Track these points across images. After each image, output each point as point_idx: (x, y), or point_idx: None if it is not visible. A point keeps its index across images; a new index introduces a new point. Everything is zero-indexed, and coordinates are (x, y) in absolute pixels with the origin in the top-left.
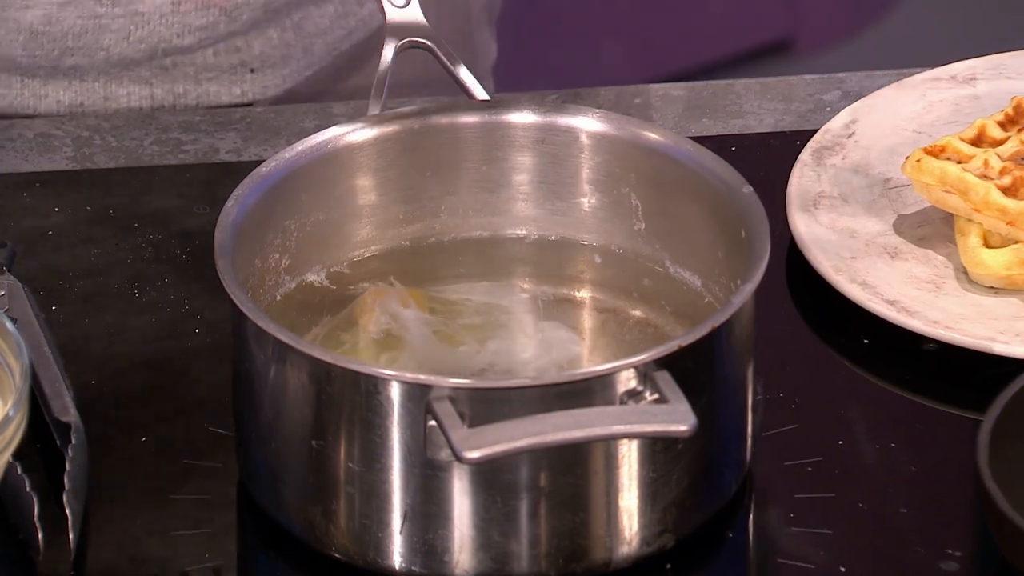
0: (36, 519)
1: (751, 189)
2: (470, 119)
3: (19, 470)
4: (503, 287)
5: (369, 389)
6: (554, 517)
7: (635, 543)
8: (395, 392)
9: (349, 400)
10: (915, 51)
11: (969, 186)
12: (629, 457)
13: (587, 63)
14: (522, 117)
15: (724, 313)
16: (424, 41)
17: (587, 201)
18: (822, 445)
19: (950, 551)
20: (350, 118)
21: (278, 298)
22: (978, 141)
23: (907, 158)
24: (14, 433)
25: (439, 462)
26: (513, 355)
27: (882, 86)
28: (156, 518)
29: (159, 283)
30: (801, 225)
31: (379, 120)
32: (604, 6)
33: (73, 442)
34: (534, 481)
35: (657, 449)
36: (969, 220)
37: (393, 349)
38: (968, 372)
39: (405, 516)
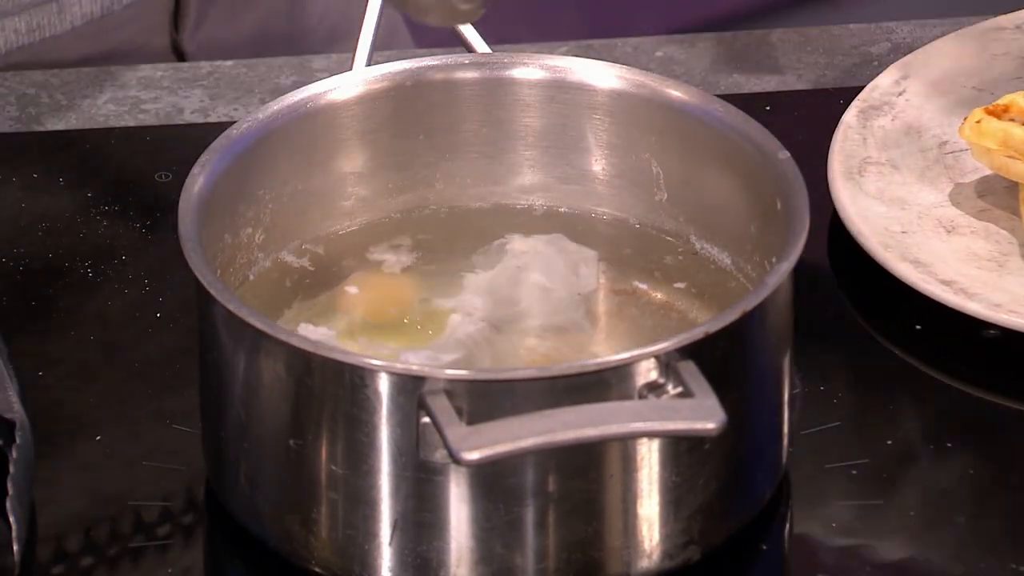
0: None
1: (788, 154)
2: (469, 75)
3: None
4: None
5: (354, 381)
6: (564, 527)
7: (656, 556)
8: (384, 385)
9: (332, 394)
10: None
11: None
12: (649, 458)
13: (602, 11)
14: (528, 73)
15: (757, 295)
16: None
17: (602, 168)
18: (868, 445)
19: (1014, 565)
20: (333, 74)
21: (251, 278)
22: None
23: (965, 119)
24: None
25: (434, 464)
26: (517, 341)
27: (937, 37)
28: (112, 528)
29: (115, 261)
30: (845, 195)
31: (366, 76)
32: None
33: (18, 441)
34: (541, 486)
35: (681, 450)
36: None
37: (382, 336)
38: None
39: (395, 525)
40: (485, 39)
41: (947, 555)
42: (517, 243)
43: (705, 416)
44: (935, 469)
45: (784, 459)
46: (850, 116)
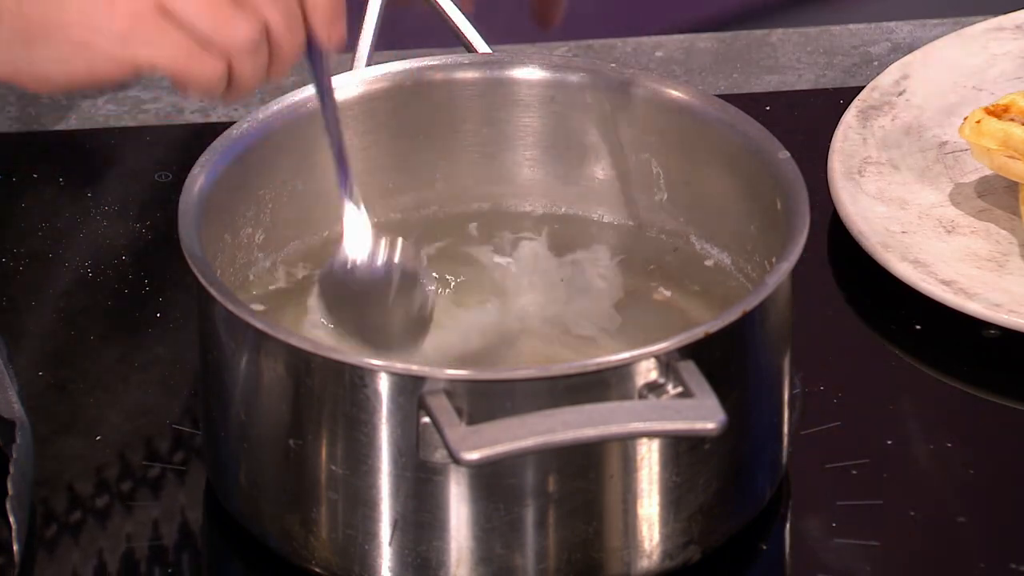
0: None
1: (788, 154)
2: (469, 75)
3: None
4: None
5: (354, 381)
6: (564, 527)
7: (656, 556)
8: (384, 385)
9: (331, 394)
10: None
11: None
12: (649, 459)
13: (601, 11)
14: (528, 73)
15: (757, 295)
16: None
17: (602, 169)
18: (868, 445)
19: (1014, 565)
20: (333, 74)
21: (251, 278)
22: None
23: (965, 119)
24: None
25: (434, 464)
26: (517, 341)
27: (937, 37)
28: (112, 527)
29: (116, 261)
30: (845, 195)
31: (366, 76)
32: None
33: (18, 442)
34: (541, 486)
35: (681, 450)
36: None
37: None
38: None
39: (395, 525)
40: (485, 39)
41: (947, 555)
42: (519, 246)
43: (705, 416)
44: (935, 469)
45: (784, 459)
46: (850, 116)
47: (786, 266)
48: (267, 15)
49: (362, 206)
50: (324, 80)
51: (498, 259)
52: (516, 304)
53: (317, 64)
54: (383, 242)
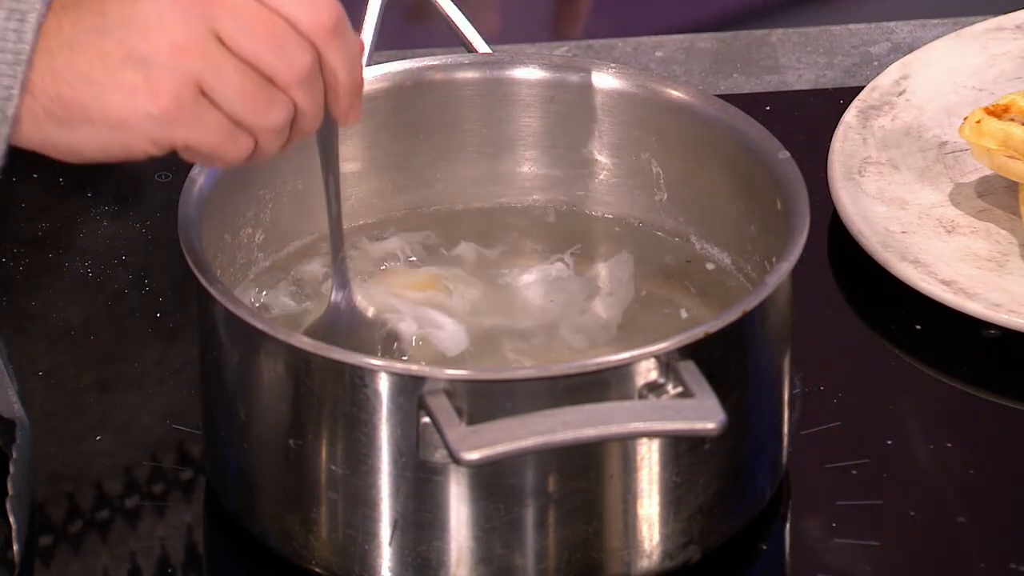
0: None
1: (788, 154)
2: (469, 75)
3: None
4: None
5: (354, 381)
6: (564, 527)
7: (656, 556)
8: (384, 385)
9: (331, 394)
10: None
11: None
12: (649, 459)
13: (601, 11)
14: (528, 73)
15: (757, 295)
16: None
17: (602, 168)
18: (868, 445)
19: (1014, 565)
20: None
21: (251, 278)
22: None
23: (965, 119)
24: None
25: (434, 464)
26: (516, 341)
27: (937, 37)
28: (113, 528)
29: (115, 261)
30: (845, 195)
31: (366, 76)
32: None
33: (18, 441)
34: (541, 486)
35: (681, 450)
36: None
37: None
38: None
39: (395, 525)
40: (485, 39)
41: (947, 555)
42: (518, 246)
43: (705, 416)
44: (935, 469)
45: (784, 459)
46: (850, 116)
47: (786, 266)
48: (297, 99)
49: (350, 281)
50: (332, 153)
51: (498, 259)
52: (516, 304)
53: (327, 138)
54: (366, 311)
